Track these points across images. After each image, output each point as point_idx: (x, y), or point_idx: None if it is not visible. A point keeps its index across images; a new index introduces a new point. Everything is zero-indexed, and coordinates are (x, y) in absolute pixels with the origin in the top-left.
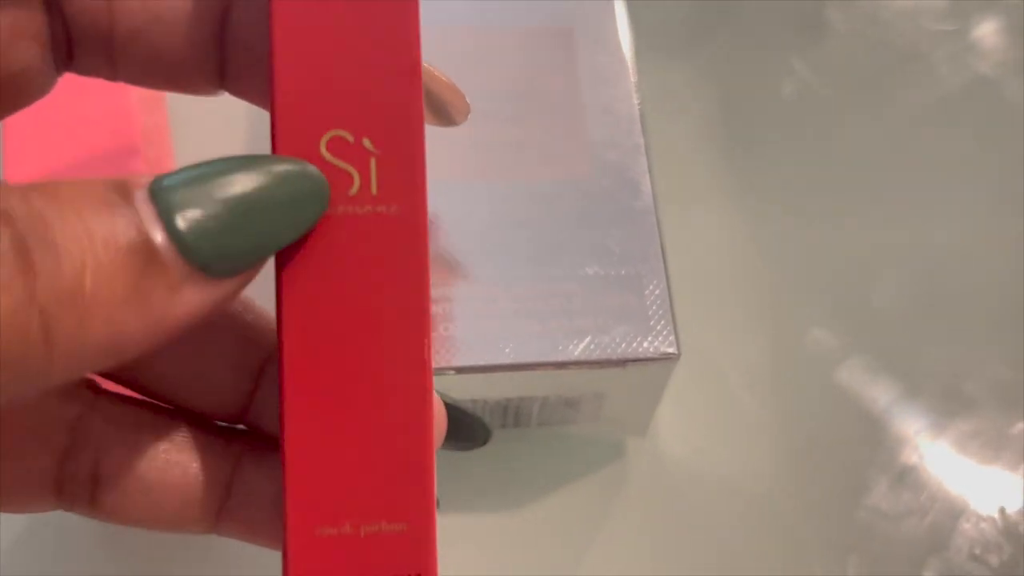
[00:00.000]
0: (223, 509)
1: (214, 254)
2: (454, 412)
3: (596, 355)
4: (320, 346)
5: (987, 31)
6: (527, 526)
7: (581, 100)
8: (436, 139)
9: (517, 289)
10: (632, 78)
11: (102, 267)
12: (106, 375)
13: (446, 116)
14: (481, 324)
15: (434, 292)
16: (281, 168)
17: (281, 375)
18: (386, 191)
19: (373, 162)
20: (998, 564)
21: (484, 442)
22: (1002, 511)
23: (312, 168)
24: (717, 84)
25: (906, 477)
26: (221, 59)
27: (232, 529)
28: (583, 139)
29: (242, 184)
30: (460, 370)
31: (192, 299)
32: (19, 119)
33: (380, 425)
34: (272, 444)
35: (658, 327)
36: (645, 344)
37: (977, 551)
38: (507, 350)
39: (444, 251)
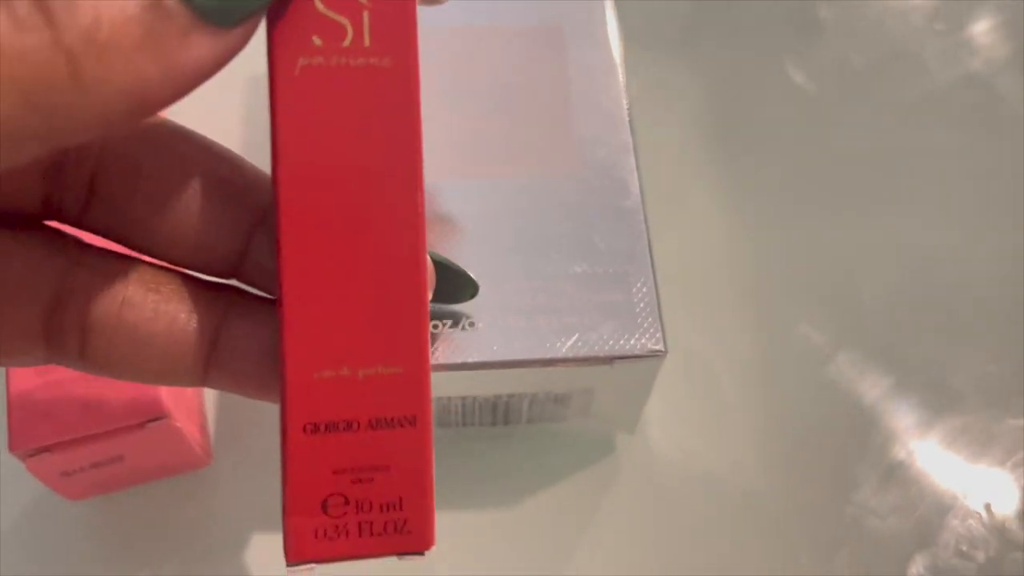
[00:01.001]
0: (211, 360)
1: (214, 3)
2: (441, 268)
3: (584, 352)
4: (315, 197)
5: (977, 30)
6: (518, 521)
7: (570, 98)
8: (426, 136)
9: (505, 286)
10: (621, 77)
11: (114, 16)
12: (96, 231)
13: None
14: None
15: None
16: None
17: (277, 225)
18: (379, 43)
19: (366, 14)
20: (984, 560)
21: (472, 295)
22: (989, 507)
23: None
24: (707, 82)
25: (894, 473)
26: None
27: (220, 380)
28: (572, 137)
29: None
30: (449, 367)
31: (201, 46)
32: None
33: (376, 273)
34: (261, 299)
35: (645, 324)
36: (632, 341)
37: (964, 547)
38: (495, 347)
39: (430, 248)
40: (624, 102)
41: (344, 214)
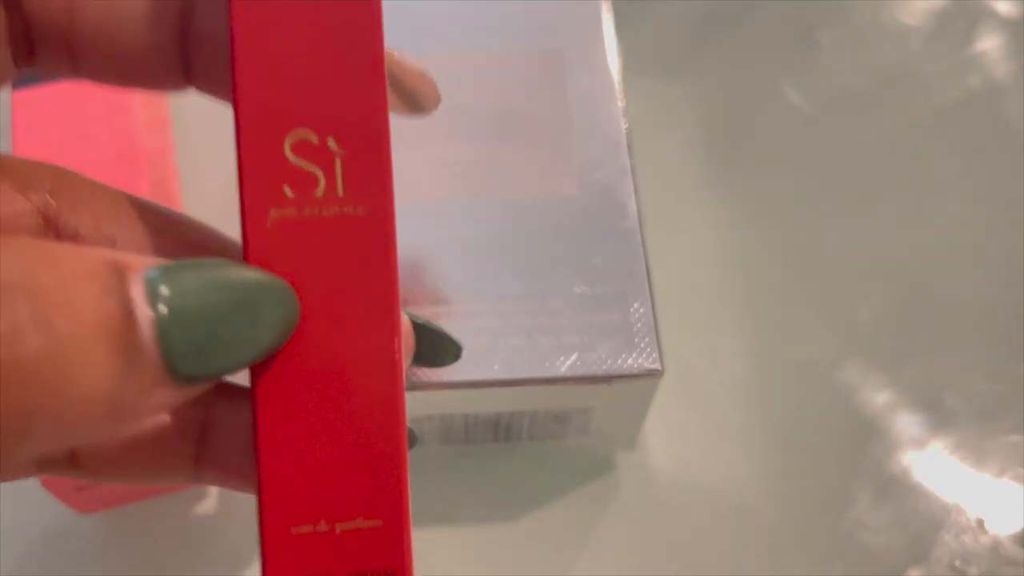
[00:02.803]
0: (200, 456)
1: (194, 362)
2: (422, 330)
3: (582, 371)
4: (290, 350)
5: (975, 51)
6: (519, 538)
7: (570, 122)
8: (428, 159)
9: (505, 306)
10: (620, 100)
11: (80, 345)
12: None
13: (416, 104)
14: (470, 340)
15: (423, 309)
16: (259, 282)
17: (252, 380)
18: (353, 192)
19: (338, 162)
20: (978, 575)
21: (455, 358)
22: (982, 523)
23: (281, 282)
24: (705, 105)
25: (888, 489)
26: (185, 56)
27: (211, 476)
28: (571, 160)
29: (231, 292)
30: (449, 385)
31: (161, 399)
32: (26, 139)
33: (353, 425)
34: (243, 391)
35: (642, 344)
36: (630, 361)
37: (957, 563)
38: (495, 366)
39: (434, 268)
40: (623, 125)
41: (321, 365)
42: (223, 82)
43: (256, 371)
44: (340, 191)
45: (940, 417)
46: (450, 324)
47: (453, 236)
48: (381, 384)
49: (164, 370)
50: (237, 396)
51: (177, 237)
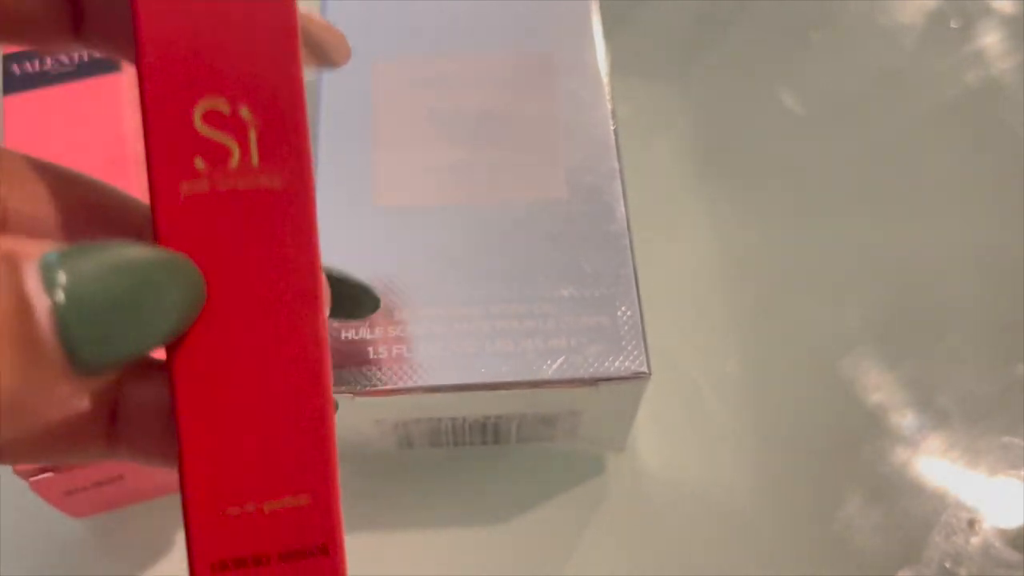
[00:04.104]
0: (113, 433)
1: (97, 350)
2: (338, 283)
3: (569, 374)
4: (209, 328)
5: (969, 52)
6: (508, 540)
7: (558, 125)
8: (416, 163)
9: (492, 309)
10: (608, 103)
11: None
12: None
13: (326, 57)
14: (457, 344)
15: (412, 312)
16: (159, 260)
17: (169, 356)
18: (269, 163)
19: (252, 132)
20: None
21: (373, 310)
22: (972, 524)
23: (187, 262)
24: (696, 107)
25: (880, 489)
26: (73, 12)
27: (126, 452)
28: (559, 163)
29: (132, 276)
30: (436, 389)
31: (64, 391)
32: (16, 144)
33: (277, 402)
34: (155, 364)
35: (629, 347)
36: (617, 363)
37: (948, 564)
38: (482, 369)
39: (422, 272)
40: (611, 128)
41: (241, 339)
42: (113, 40)
43: (173, 351)
44: (255, 162)
45: (932, 418)
46: (437, 327)
47: (441, 240)
48: (305, 359)
49: (66, 361)
50: (149, 371)
51: (76, 198)
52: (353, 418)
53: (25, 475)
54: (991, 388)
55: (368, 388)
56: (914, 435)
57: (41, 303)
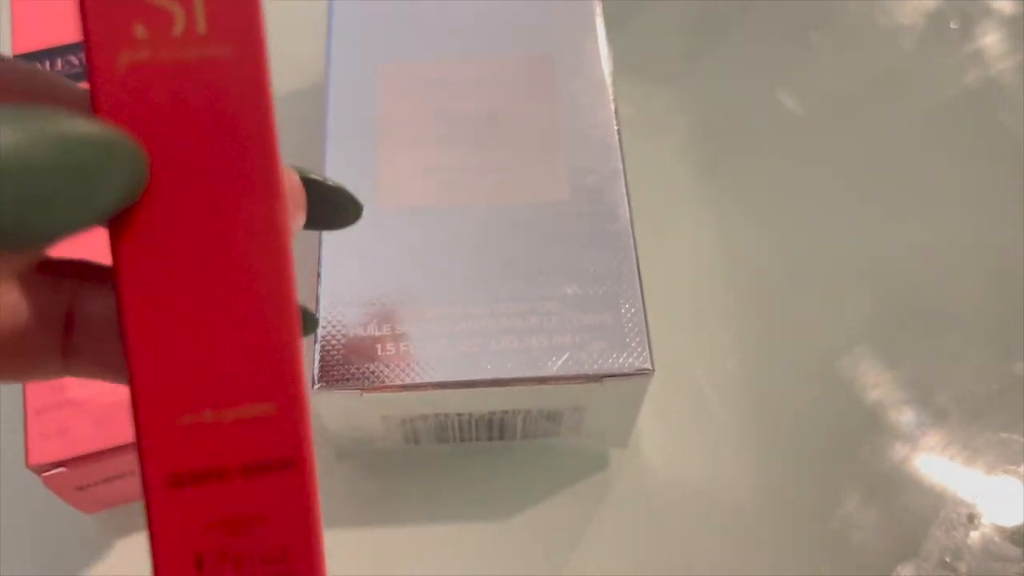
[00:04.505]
0: (68, 348)
1: (18, 223)
2: (313, 185)
3: (573, 371)
4: (154, 217)
5: (968, 53)
6: (513, 536)
7: (561, 126)
8: (421, 164)
9: (498, 307)
10: (611, 104)
11: None
12: None
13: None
14: (463, 341)
15: (418, 311)
16: (82, 132)
17: (114, 252)
18: (216, 30)
19: None
20: (967, 571)
21: (356, 216)
22: (971, 519)
23: (121, 136)
24: (697, 107)
25: (878, 487)
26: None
27: (82, 368)
28: (563, 164)
29: (62, 146)
30: (443, 385)
31: None
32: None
33: (235, 301)
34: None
35: (633, 344)
36: (621, 360)
37: (947, 558)
38: (488, 366)
39: (427, 271)
40: (614, 129)
41: (190, 232)
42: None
43: (116, 243)
44: (201, 29)
45: (931, 414)
46: (443, 325)
47: (446, 239)
48: (263, 253)
49: None
50: (103, 280)
51: (13, 83)
52: (360, 414)
53: (38, 470)
54: (989, 386)
55: (375, 385)
56: (913, 432)
57: None
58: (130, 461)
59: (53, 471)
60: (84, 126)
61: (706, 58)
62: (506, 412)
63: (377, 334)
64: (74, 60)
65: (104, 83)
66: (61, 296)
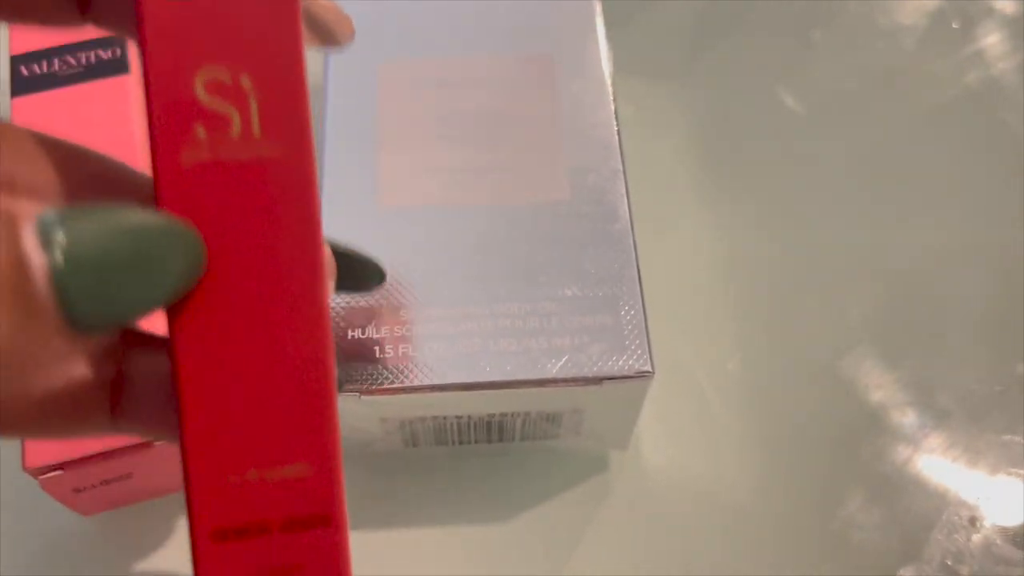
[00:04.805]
0: (117, 407)
1: (93, 310)
2: (342, 256)
3: (573, 373)
4: (210, 296)
5: (969, 52)
6: (512, 538)
7: (561, 126)
8: (420, 164)
9: (497, 309)
10: (611, 104)
11: None
12: None
13: (330, 36)
14: (462, 343)
15: (417, 312)
16: (157, 224)
17: (170, 323)
18: (270, 132)
19: (253, 101)
20: (969, 574)
21: (379, 282)
22: (974, 521)
23: (187, 228)
24: (698, 106)
25: (881, 487)
26: None
27: (130, 427)
28: (562, 164)
29: (131, 239)
30: (441, 387)
31: (60, 349)
32: None
33: (279, 369)
34: (159, 337)
35: (633, 346)
36: (621, 362)
37: (949, 561)
38: (487, 368)
39: (426, 271)
40: (614, 129)
41: (241, 308)
42: (121, 18)
43: (173, 318)
44: (256, 132)
45: (933, 416)
46: (441, 326)
47: (445, 240)
48: (305, 325)
49: (62, 319)
50: (152, 343)
51: (86, 174)
52: (359, 417)
53: (35, 473)
54: (991, 387)
55: (374, 387)
56: (915, 434)
57: (37, 260)
58: (127, 464)
59: (50, 474)
60: (152, 219)
61: (707, 57)
62: (505, 414)
63: (375, 336)
64: (71, 60)
65: (167, 179)
66: (112, 357)
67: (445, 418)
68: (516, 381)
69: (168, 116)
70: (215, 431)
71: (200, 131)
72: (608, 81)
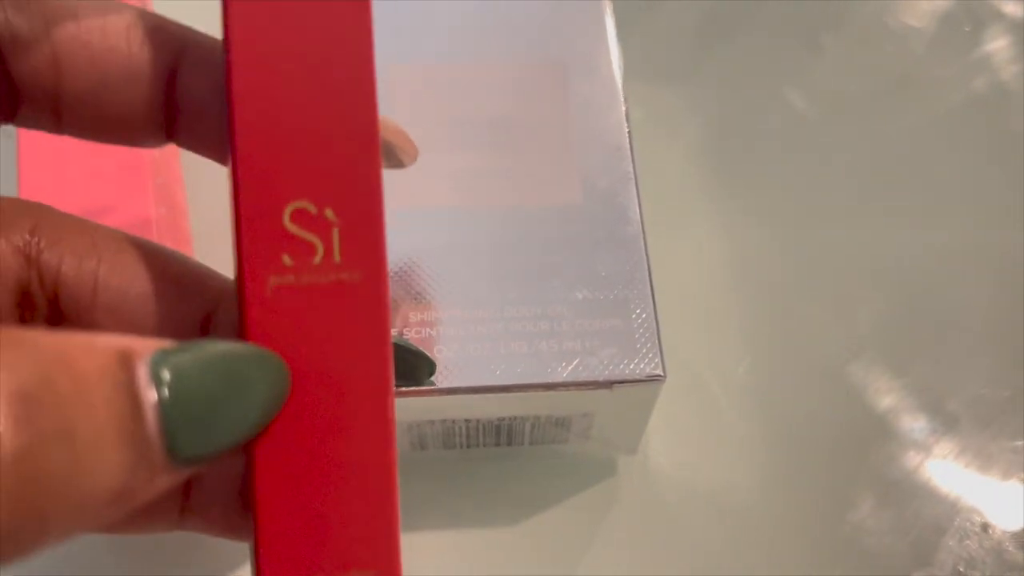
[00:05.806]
0: (185, 507)
1: (195, 444)
2: (399, 351)
3: (584, 377)
4: (288, 412)
5: (979, 56)
6: (521, 542)
7: (572, 130)
8: (432, 168)
9: (507, 312)
10: (623, 107)
11: (96, 447)
12: None
13: (395, 159)
14: (472, 346)
15: (427, 314)
16: (258, 359)
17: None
18: (349, 258)
19: (336, 231)
20: None
21: (430, 374)
22: (985, 527)
23: (275, 357)
24: (708, 110)
25: (891, 494)
26: (168, 115)
27: (195, 525)
28: (574, 167)
29: (224, 371)
30: (451, 391)
31: (160, 484)
32: (32, 145)
33: (348, 479)
34: None
35: (644, 349)
36: (632, 366)
37: (961, 567)
38: (497, 372)
39: (437, 275)
40: (626, 133)
41: (317, 424)
42: (204, 141)
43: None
44: (337, 258)
45: (944, 421)
46: (452, 330)
47: (456, 243)
48: (375, 438)
49: (166, 455)
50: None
51: (158, 270)
52: None
53: None
54: (1001, 392)
55: None
56: (925, 439)
57: (149, 400)
58: None
59: None
60: (242, 349)
61: (717, 60)
62: (514, 418)
63: None
64: None
65: (255, 306)
66: None
67: (454, 422)
68: (526, 385)
69: (258, 246)
70: (288, 536)
71: (287, 258)
72: (619, 85)
